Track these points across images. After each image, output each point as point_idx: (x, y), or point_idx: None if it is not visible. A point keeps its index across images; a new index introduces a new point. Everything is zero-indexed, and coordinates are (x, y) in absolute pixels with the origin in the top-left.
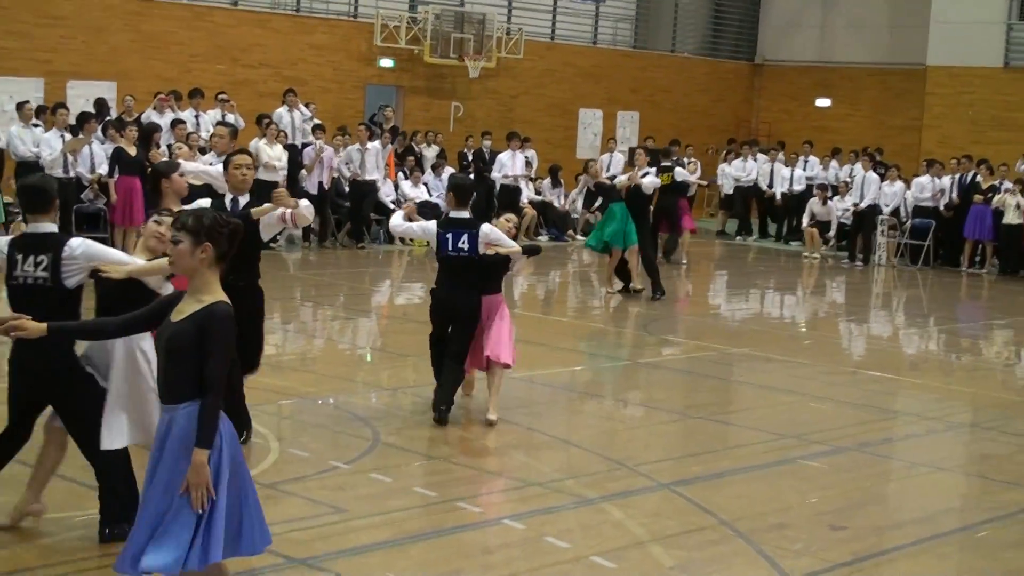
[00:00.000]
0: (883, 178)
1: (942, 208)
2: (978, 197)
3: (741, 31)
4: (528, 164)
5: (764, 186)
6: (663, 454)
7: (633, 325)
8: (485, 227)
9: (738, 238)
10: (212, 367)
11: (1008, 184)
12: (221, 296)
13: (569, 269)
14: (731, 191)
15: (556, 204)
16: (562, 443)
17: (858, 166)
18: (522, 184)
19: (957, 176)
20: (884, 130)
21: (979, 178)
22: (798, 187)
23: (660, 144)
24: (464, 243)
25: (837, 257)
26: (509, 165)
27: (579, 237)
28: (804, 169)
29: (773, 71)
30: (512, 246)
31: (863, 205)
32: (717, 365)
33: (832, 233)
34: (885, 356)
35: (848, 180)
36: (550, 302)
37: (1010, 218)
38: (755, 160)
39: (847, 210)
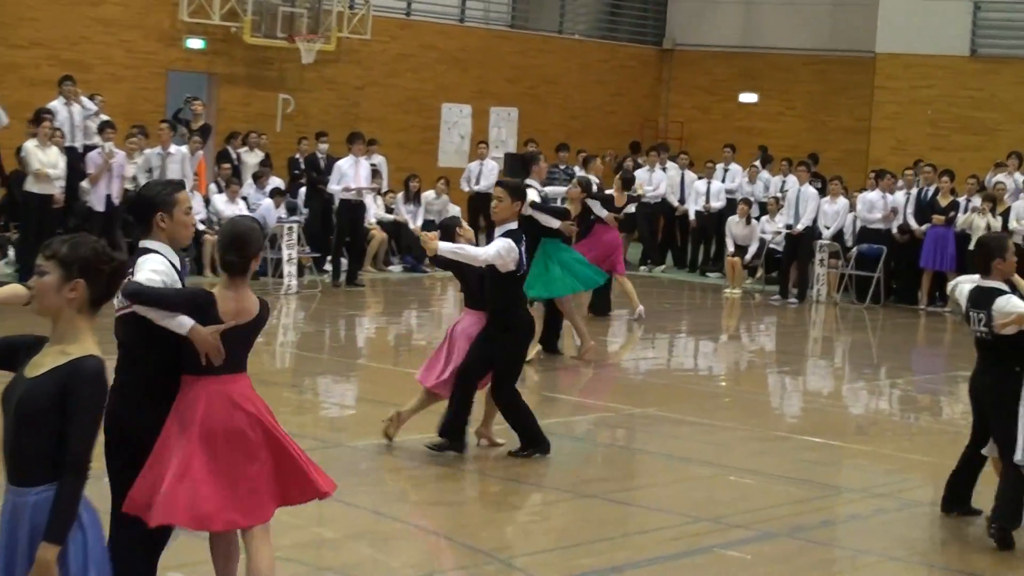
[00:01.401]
0: (823, 193)
1: (895, 231)
2: (937, 218)
3: (646, 8)
4: (375, 174)
5: (675, 202)
6: (547, 543)
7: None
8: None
9: (643, 268)
10: (76, 440)
11: (976, 201)
12: (92, 348)
13: (430, 308)
14: (632, 209)
15: (412, 225)
16: (419, 531)
17: (792, 178)
18: (368, 199)
19: (914, 191)
20: (824, 132)
21: (940, 193)
22: (717, 203)
23: (547, 148)
24: None
25: (766, 292)
26: (351, 175)
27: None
28: (724, 180)
29: (686, 58)
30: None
31: (799, 227)
32: (616, 430)
33: (757, 260)
34: (825, 417)
35: (779, 195)
36: (402, 350)
37: None
38: (664, 170)
39: (778, 233)
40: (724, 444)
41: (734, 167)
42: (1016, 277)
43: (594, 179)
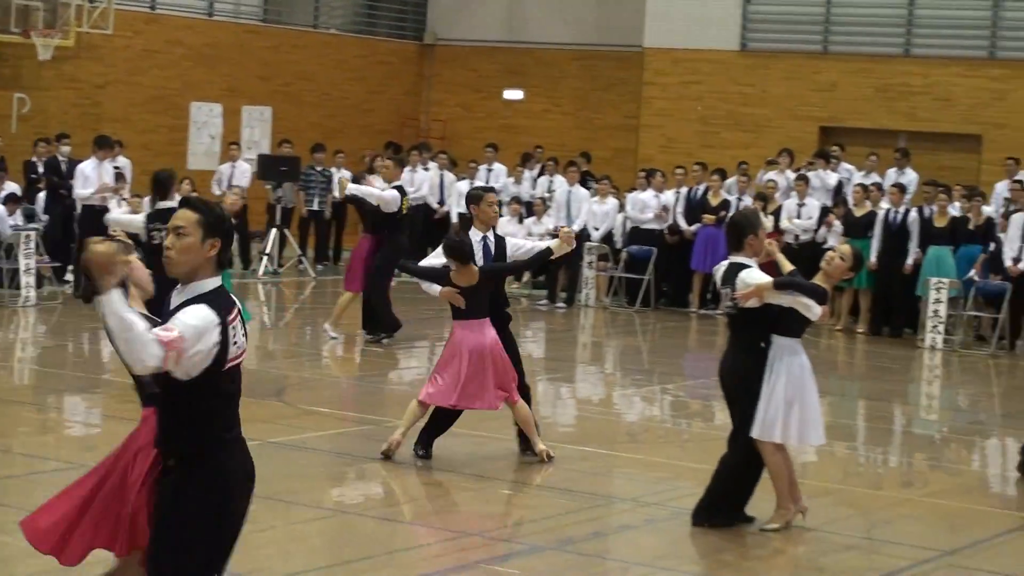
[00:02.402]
0: (592, 193)
1: (665, 232)
2: (708, 217)
3: (406, 2)
4: (119, 177)
5: (435, 203)
6: (305, 563)
7: (265, 393)
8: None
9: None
10: None
11: (747, 200)
12: None
13: None
14: None
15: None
16: None
17: (559, 178)
18: (112, 204)
19: (684, 190)
20: (592, 130)
21: (711, 192)
22: None
23: (303, 148)
24: None
25: (533, 296)
26: (94, 178)
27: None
28: (488, 181)
29: (448, 53)
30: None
31: (575, 227)
32: (376, 443)
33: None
34: (595, 426)
35: (547, 196)
36: None
37: None
38: (426, 170)
39: (544, 235)
40: (491, 456)
41: (498, 167)
42: (780, 256)
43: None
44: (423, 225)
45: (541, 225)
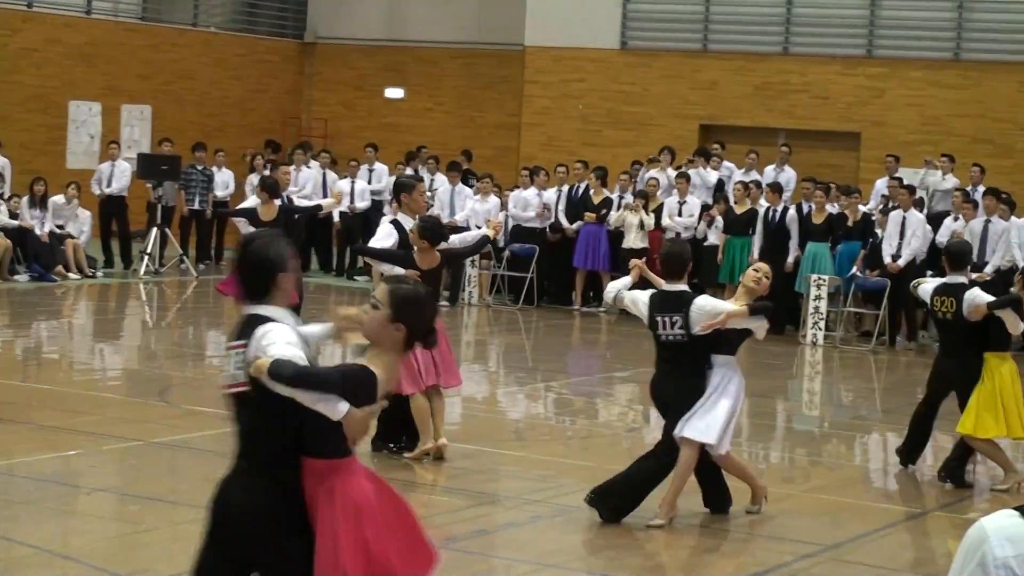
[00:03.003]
0: (474, 191)
1: (548, 230)
2: (589, 215)
3: (286, 0)
4: None
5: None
6: (189, 564)
7: (147, 393)
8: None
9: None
10: None
11: (628, 198)
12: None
13: (61, 318)
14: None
15: (38, 231)
16: (53, 556)
17: (441, 176)
18: None
19: (566, 188)
20: (474, 129)
21: (592, 190)
22: (362, 203)
23: (183, 147)
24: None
25: None
26: None
27: (73, 275)
28: (370, 181)
29: (329, 52)
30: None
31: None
32: None
33: None
34: (479, 424)
35: (429, 194)
36: (31, 364)
37: (632, 241)
38: (308, 168)
39: None
40: (375, 454)
41: (379, 166)
42: (652, 275)
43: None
44: (307, 224)
45: None
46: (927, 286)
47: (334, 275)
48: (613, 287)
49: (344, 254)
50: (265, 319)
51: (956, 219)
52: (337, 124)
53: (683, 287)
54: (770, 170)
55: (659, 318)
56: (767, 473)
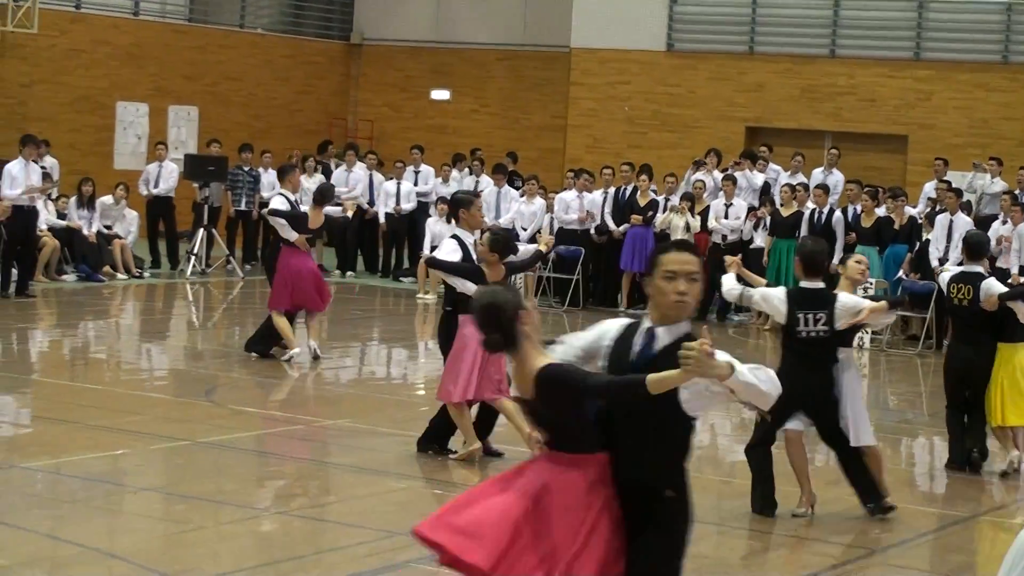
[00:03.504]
0: (520, 194)
1: (592, 232)
2: (636, 217)
3: (332, 1)
4: (47, 177)
5: (364, 204)
6: (234, 564)
7: (193, 393)
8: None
9: (335, 273)
10: None
11: (674, 200)
12: None
13: (107, 318)
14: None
15: (86, 231)
16: (99, 555)
17: (487, 178)
18: (39, 204)
19: (612, 190)
20: (519, 131)
21: (640, 192)
22: (407, 205)
23: (230, 148)
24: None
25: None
26: (21, 179)
27: (121, 275)
28: (416, 183)
29: (375, 53)
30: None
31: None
32: (306, 443)
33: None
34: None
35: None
36: (79, 364)
37: None
38: (355, 170)
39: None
40: (419, 455)
41: (425, 168)
42: (747, 272)
43: (288, 195)
44: (358, 226)
45: None
46: (946, 274)
47: (380, 276)
48: (735, 287)
49: (390, 255)
50: None
51: (1004, 223)
52: (383, 125)
53: (821, 284)
54: (818, 172)
55: (800, 315)
56: (815, 476)
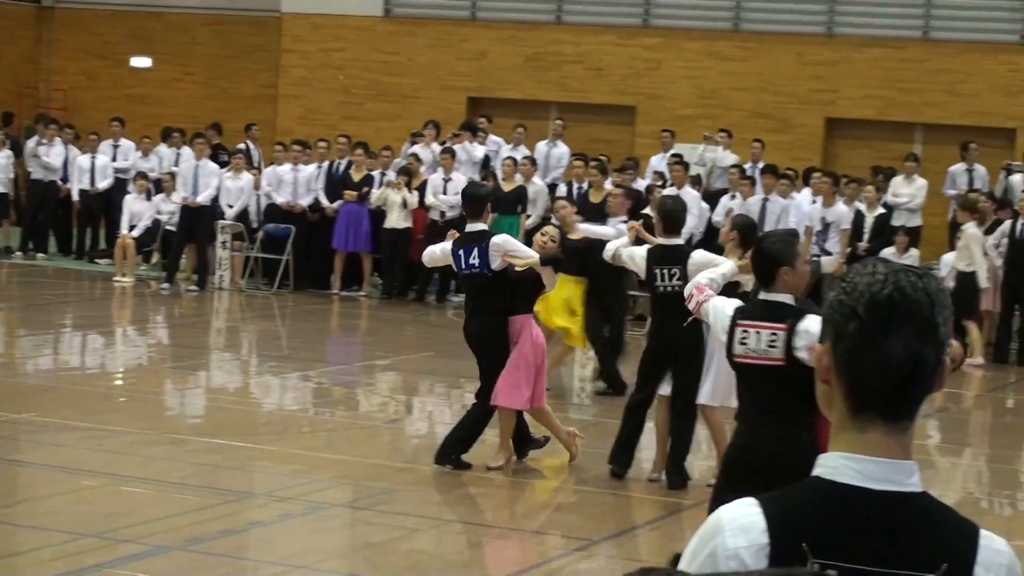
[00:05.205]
0: (225, 167)
1: (306, 209)
2: (349, 194)
3: None
4: None
5: (59, 180)
6: None
7: None
8: (497, 238)
9: (17, 254)
10: None
11: (390, 175)
12: None
13: None
14: (4, 189)
15: None
16: None
17: (187, 150)
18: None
19: (325, 164)
20: (227, 100)
21: (353, 168)
22: (103, 182)
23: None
24: (475, 258)
25: (162, 280)
26: None
27: None
28: (114, 157)
29: (69, 17)
30: (530, 255)
31: (199, 200)
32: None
33: (153, 245)
34: (229, 416)
35: (174, 170)
36: None
37: (394, 221)
38: (56, 144)
39: (174, 213)
40: (115, 450)
41: (125, 142)
42: (644, 233)
43: None
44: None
45: (170, 202)
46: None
47: (74, 258)
48: (612, 246)
49: (84, 236)
50: (795, 309)
51: (733, 197)
52: (78, 95)
53: (680, 241)
54: (542, 145)
55: (658, 270)
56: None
